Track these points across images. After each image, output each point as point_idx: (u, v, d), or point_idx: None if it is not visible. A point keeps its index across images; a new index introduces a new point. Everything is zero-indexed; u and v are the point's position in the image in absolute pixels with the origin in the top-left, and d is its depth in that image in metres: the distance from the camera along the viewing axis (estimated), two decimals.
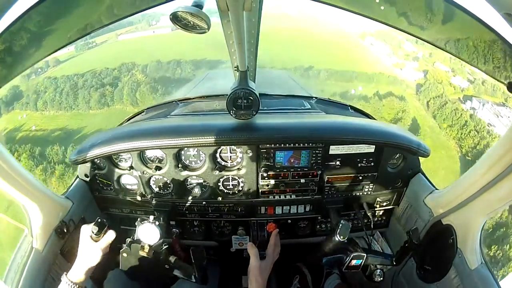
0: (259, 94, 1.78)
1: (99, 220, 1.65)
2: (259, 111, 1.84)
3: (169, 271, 1.91)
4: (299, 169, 2.13)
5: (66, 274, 1.58)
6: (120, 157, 2.14)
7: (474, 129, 43.57)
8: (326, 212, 2.28)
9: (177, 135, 1.94)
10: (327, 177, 2.17)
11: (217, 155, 2.10)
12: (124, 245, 1.80)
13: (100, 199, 2.29)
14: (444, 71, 57.18)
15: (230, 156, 2.12)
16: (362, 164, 2.14)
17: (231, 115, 1.85)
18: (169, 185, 2.21)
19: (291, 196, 2.24)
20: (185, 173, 2.12)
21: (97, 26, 1.18)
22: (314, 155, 2.07)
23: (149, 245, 1.77)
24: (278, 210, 2.31)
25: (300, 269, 2.51)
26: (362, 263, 1.85)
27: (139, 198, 2.22)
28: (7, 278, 1.67)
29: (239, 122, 1.92)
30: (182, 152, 2.09)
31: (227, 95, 1.78)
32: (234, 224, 2.40)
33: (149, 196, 2.22)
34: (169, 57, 62.50)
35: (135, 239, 1.79)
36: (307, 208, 2.32)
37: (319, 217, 2.38)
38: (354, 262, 1.85)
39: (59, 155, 37.09)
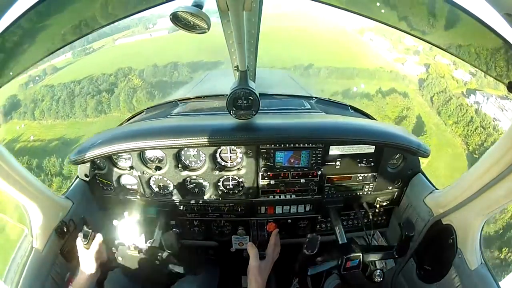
0: (259, 94, 1.78)
1: (85, 228, 1.75)
2: (259, 111, 1.84)
3: (164, 269, 1.92)
4: (299, 169, 2.13)
5: (71, 285, 1.65)
6: (120, 157, 2.14)
7: (480, 126, 42.53)
8: (326, 211, 2.29)
9: (177, 135, 1.94)
10: (327, 177, 2.17)
11: (217, 155, 2.10)
12: (113, 248, 1.85)
13: (100, 199, 2.29)
14: (446, 65, 55.97)
15: (230, 156, 2.12)
16: (362, 164, 2.14)
17: (231, 115, 1.85)
18: (169, 185, 2.21)
19: (291, 196, 2.24)
20: (185, 173, 2.12)
21: (97, 26, 1.18)
22: (314, 155, 2.07)
23: (136, 245, 1.83)
24: (278, 209, 2.31)
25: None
26: (361, 262, 1.83)
27: (139, 198, 2.22)
28: (7, 278, 1.68)
29: (239, 122, 1.92)
30: (182, 152, 2.09)
31: (227, 95, 1.78)
32: (234, 224, 2.40)
33: (149, 196, 2.22)
34: (166, 60, 62.06)
35: (120, 241, 1.86)
36: (307, 208, 2.32)
37: (319, 217, 2.38)
38: (350, 263, 1.82)
39: (56, 167, 36.90)
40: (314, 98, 2.94)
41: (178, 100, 2.97)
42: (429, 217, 1.93)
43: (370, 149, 2.08)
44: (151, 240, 1.91)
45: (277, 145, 2.02)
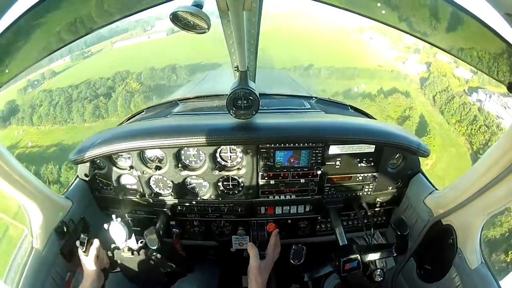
0: (259, 94, 1.78)
1: (81, 236, 1.77)
2: (259, 111, 1.84)
3: (161, 268, 1.93)
4: (299, 169, 2.13)
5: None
6: (120, 157, 2.14)
7: (484, 124, 41.23)
8: (326, 212, 2.28)
9: (177, 135, 1.94)
10: (327, 177, 2.17)
11: (217, 155, 2.10)
12: (109, 252, 1.86)
13: (100, 199, 2.29)
14: (447, 63, 54.81)
15: (230, 156, 2.12)
16: (362, 164, 2.14)
17: (231, 115, 1.85)
18: (169, 185, 2.21)
19: (291, 196, 2.24)
20: (185, 173, 2.12)
21: (97, 26, 1.18)
22: (314, 155, 2.07)
23: (129, 247, 1.84)
24: (278, 210, 2.31)
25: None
26: (360, 263, 1.82)
27: (139, 198, 2.22)
28: (7, 278, 1.68)
29: (239, 121, 1.92)
30: (182, 151, 2.09)
31: (227, 95, 1.78)
32: (234, 224, 2.40)
33: (149, 196, 2.22)
34: (164, 63, 61.27)
35: (115, 243, 1.87)
36: (307, 208, 2.32)
37: (319, 217, 2.38)
38: (349, 265, 1.81)
39: (54, 174, 36.65)
40: (314, 98, 2.94)
41: (178, 100, 2.97)
42: (429, 217, 1.93)
43: (370, 148, 2.08)
44: (142, 240, 1.92)
45: (277, 145, 2.02)
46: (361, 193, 2.25)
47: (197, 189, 2.25)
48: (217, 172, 2.10)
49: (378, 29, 69.14)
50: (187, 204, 2.26)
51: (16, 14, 0.93)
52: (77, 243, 1.75)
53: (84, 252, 1.76)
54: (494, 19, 0.91)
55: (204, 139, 1.91)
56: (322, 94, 3.11)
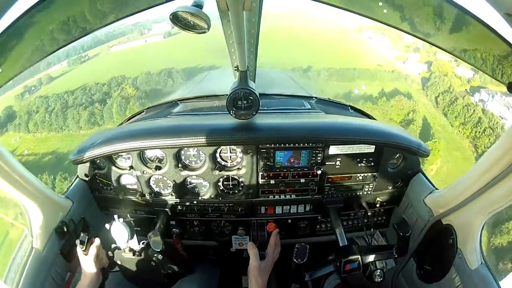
0: (259, 94, 1.78)
1: (82, 235, 1.77)
2: (259, 111, 1.84)
3: (162, 269, 1.93)
4: (299, 169, 2.13)
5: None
6: (120, 157, 2.14)
7: (488, 127, 40.06)
8: (326, 212, 2.28)
9: (177, 135, 1.94)
10: (327, 177, 2.17)
11: (217, 155, 2.10)
12: (109, 252, 1.86)
13: (100, 199, 2.29)
14: (447, 61, 53.57)
15: (230, 156, 2.12)
16: (362, 164, 2.14)
17: (231, 115, 1.85)
18: (169, 185, 2.21)
19: (291, 196, 2.24)
20: (185, 173, 2.12)
21: (98, 26, 1.18)
22: (314, 155, 2.07)
23: (130, 247, 1.85)
24: (278, 209, 2.31)
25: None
26: (361, 264, 1.82)
27: (139, 198, 2.21)
28: (7, 278, 1.68)
29: (239, 122, 1.92)
30: (182, 152, 2.09)
31: (227, 95, 1.78)
32: (234, 224, 2.40)
33: (149, 196, 2.22)
34: (160, 67, 60.41)
35: (116, 244, 1.88)
36: (307, 208, 2.32)
37: (319, 217, 2.38)
38: (349, 266, 1.80)
39: (48, 184, 36.45)
40: (314, 98, 2.94)
41: (178, 100, 2.97)
42: (429, 217, 1.93)
43: (370, 149, 2.08)
44: (144, 241, 1.92)
45: (277, 145, 2.02)
46: (361, 193, 2.25)
47: (197, 189, 2.25)
48: (217, 172, 2.10)
49: (377, 28, 68.17)
50: (187, 204, 2.26)
51: (14, 15, 0.93)
52: (77, 242, 1.74)
53: (83, 251, 1.76)
54: (494, 19, 0.91)
55: (204, 139, 1.91)
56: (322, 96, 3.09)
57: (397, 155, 2.16)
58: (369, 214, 2.23)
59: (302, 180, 2.16)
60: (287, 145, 2.02)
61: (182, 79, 56.72)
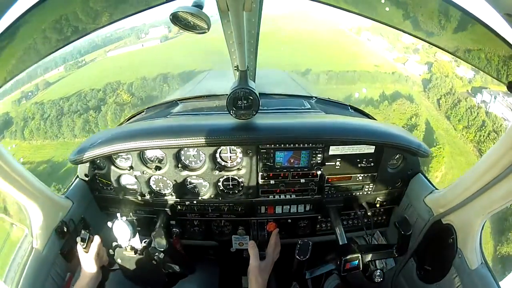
0: (259, 93, 1.78)
1: (82, 232, 1.77)
2: (259, 111, 1.84)
3: (162, 269, 1.93)
4: (299, 169, 2.13)
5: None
6: (120, 157, 2.14)
7: (493, 130, 38.58)
8: (326, 211, 2.28)
9: (177, 135, 1.94)
10: (327, 177, 2.17)
11: (217, 155, 2.10)
12: (110, 250, 1.86)
13: (100, 199, 2.29)
14: (448, 62, 52.48)
15: (230, 156, 2.12)
16: (362, 165, 2.14)
17: (231, 115, 1.85)
18: (169, 185, 2.21)
19: (291, 196, 2.24)
20: (185, 173, 2.12)
21: (98, 26, 1.18)
22: (314, 155, 2.07)
23: (132, 246, 1.84)
24: (278, 209, 2.31)
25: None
26: (361, 263, 1.82)
27: (139, 198, 2.22)
28: (7, 278, 1.68)
29: (239, 122, 1.92)
30: (182, 152, 2.09)
31: (227, 95, 1.78)
32: (234, 223, 2.40)
33: (149, 196, 2.22)
34: (156, 71, 59.52)
35: (117, 242, 1.87)
36: (307, 208, 2.32)
37: (319, 217, 2.38)
38: (349, 265, 1.81)
39: None
40: (314, 98, 2.94)
41: (178, 100, 2.97)
42: (429, 216, 1.93)
43: (370, 149, 2.08)
44: (146, 240, 1.92)
45: (277, 145, 2.02)
46: (361, 193, 2.25)
47: (197, 189, 2.25)
48: (217, 172, 2.10)
49: (375, 29, 67.43)
50: (187, 203, 2.26)
51: (11, 17, 0.93)
52: (78, 239, 1.74)
53: (84, 248, 1.75)
54: (494, 19, 0.91)
55: (204, 140, 1.91)
56: None
57: (397, 156, 2.16)
58: (369, 213, 2.23)
59: (302, 181, 2.16)
60: (287, 145, 2.02)
61: (178, 84, 55.88)
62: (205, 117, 2.49)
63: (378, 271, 1.88)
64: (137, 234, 1.86)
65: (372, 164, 2.14)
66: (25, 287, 1.61)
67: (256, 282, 1.73)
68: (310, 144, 2.03)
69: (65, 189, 2.12)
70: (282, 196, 2.24)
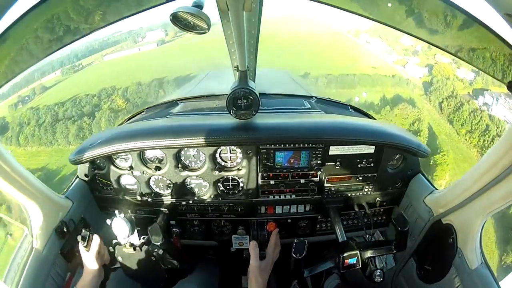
0: (259, 93, 1.78)
1: (83, 231, 1.78)
2: (259, 111, 1.84)
3: (162, 264, 1.94)
4: (299, 170, 2.13)
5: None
6: (119, 157, 2.14)
7: (497, 134, 37.50)
8: (326, 211, 2.28)
9: (177, 135, 1.94)
10: (327, 178, 2.17)
11: (217, 155, 2.10)
12: (110, 248, 1.86)
13: (100, 199, 2.29)
14: (448, 63, 51.83)
15: (230, 156, 2.12)
16: (362, 165, 2.13)
17: (231, 114, 1.85)
18: (169, 185, 2.21)
19: (291, 196, 2.24)
20: (185, 173, 2.12)
21: (98, 26, 1.17)
22: (314, 155, 2.07)
23: (130, 243, 1.85)
24: (278, 209, 2.31)
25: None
26: (359, 259, 1.81)
27: (139, 198, 2.22)
28: (7, 278, 1.68)
29: (239, 122, 1.92)
30: (182, 152, 2.09)
31: (227, 94, 1.78)
32: (234, 223, 2.40)
33: (148, 196, 2.22)
34: (152, 76, 58.91)
35: (116, 240, 1.88)
36: (307, 208, 2.32)
37: (319, 217, 2.38)
38: (348, 261, 1.80)
39: None
40: (314, 98, 2.94)
41: (178, 100, 2.96)
42: (429, 216, 1.93)
43: (370, 149, 2.08)
44: (145, 236, 1.93)
45: (277, 145, 2.02)
46: (361, 193, 2.25)
47: (197, 189, 2.25)
48: (217, 172, 2.10)
49: (374, 32, 66.79)
50: (187, 204, 2.26)
51: (16, 15, 0.93)
52: (79, 238, 1.75)
53: (85, 247, 1.76)
54: (494, 19, 0.91)
55: (204, 140, 1.91)
56: None
57: (397, 156, 2.16)
58: (369, 213, 2.24)
59: (302, 181, 2.16)
60: (287, 145, 2.02)
61: (174, 89, 55.42)
62: (205, 117, 2.49)
63: (378, 270, 1.88)
64: (135, 230, 1.86)
65: (372, 164, 2.13)
66: (25, 287, 1.61)
67: (256, 282, 1.73)
68: (310, 144, 2.02)
69: (65, 189, 2.12)
70: (282, 196, 2.24)
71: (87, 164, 2.12)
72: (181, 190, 2.21)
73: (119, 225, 1.78)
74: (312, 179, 2.16)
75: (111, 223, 1.79)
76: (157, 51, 73.03)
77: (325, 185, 2.19)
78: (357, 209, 2.28)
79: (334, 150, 2.06)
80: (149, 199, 2.23)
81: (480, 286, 1.57)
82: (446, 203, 1.78)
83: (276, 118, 2.29)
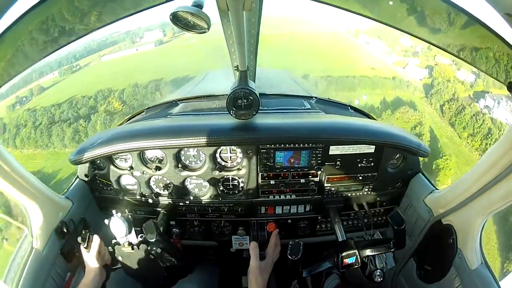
0: (259, 94, 1.78)
1: (82, 232, 1.78)
2: (259, 111, 1.84)
3: (161, 262, 1.93)
4: (299, 169, 2.13)
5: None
6: (120, 157, 2.14)
7: (499, 138, 37.30)
8: (326, 212, 2.28)
9: (177, 135, 1.94)
10: (327, 177, 2.17)
11: (217, 155, 2.10)
12: (110, 248, 1.86)
13: (100, 199, 2.29)
14: (448, 65, 51.19)
15: (230, 156, 2.12)
16: (362, 165, 2.13)
17: (231, 115, 1.85)
18: (169, 185, 2.21)
19: (291, 196, 2.24)
20: (185, 173, 2.12)
21: (94, 27, 1.18)
22: (314, 155, 2.07)
23: (129, 242, 1.84)
24: (278, 210, 2.31)
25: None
26: (358, 258, 1.78)
27: (139, 198, 2.22)
28: (7, 278, 1.67)
29: (239, 122, 1.92)
30: (182, 152, 2.09)
31: (227, 95, 1.78)
32: (234, 224, 2.40)
33: (149, 196, 2.22)
34: (148, 78, 58.35)
35: (115, 240, 1.87)
36: (307, 208, 2.32)
37: (319, 217, 2.38)
38: (347, 261, 1.78)
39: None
40: (314, 98, 2.94)
41: (178, 100, 2.96)
42: (429, 217, 1.93)
43: (370, 149, 2.08)
44: (142, 235, 1.92)
45: (277, 145, 2.02)
46: (361, 193, 2.25)
47: (197, 189, 2.25)
48: (217, 172, 2.10)
49: (373, 32, 66.16)
50: (187, 204, 2.26)
51: (16, 15, 0.93)
52: (79, 239, 1.75)
53: (85, 248, 1.76)
54: (494, 19, 0.91)
55: (204, 140, 1.91)
56: None
57: (397, 155, 2.16)
58: (369, 214, 2.23)
59: (302, 181, 2.16)
60: (287, 145, 2.02)
61: (171, 92, 54.18)
62: (205, 117, 2.49)
63: (378, 270, 1.88)
64: (133, 229, 1.86)
65: (372, 164, 2.13)
66: (25, 287, 1.61)
67: (256, 282, 1.73)
68: (310, 144, 2.02)
69: (65, 190, 2.12)
70: (282, 197, 2.24)
71: (87, 164, 2.12)
72: (181, 190, 2.21)
73: (117, 225, 1.78)
74: (312, 179, 2.16)
75: (109, 223, 1.79)
76: (155, 52, 72.92)
77: (325, 185, 2.19)
78: (357, 209, 2.28)
79: (334, 150, 2.06)
80: (149, 199, 2.23)
81: (480, 286, 1.57)
82: (446, 203, 1.78)
83: (276, 118, 2.29)
